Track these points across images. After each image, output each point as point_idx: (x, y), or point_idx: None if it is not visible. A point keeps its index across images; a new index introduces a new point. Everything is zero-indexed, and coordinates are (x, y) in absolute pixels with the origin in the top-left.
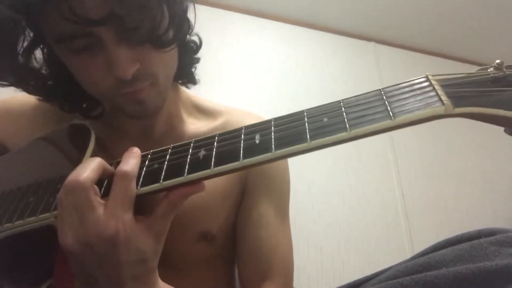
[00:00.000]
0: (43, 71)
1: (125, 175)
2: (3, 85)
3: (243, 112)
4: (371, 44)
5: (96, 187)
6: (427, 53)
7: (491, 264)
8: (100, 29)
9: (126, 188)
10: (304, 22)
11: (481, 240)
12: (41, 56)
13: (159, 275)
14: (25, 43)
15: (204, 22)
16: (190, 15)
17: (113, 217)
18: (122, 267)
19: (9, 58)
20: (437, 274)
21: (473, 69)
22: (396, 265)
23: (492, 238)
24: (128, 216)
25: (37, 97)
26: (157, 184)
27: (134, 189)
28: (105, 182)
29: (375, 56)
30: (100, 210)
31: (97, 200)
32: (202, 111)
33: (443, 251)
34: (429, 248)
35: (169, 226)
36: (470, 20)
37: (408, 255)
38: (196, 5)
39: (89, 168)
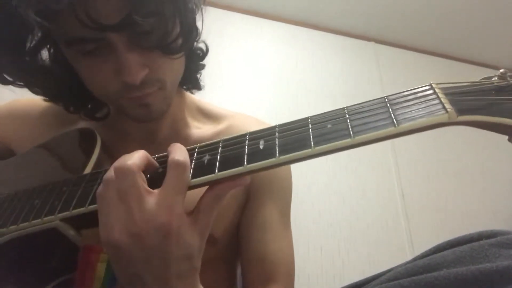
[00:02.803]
0: (49, 72)
1: (179, 164)
2: (8, 83)
3: (246, 117)
4: (371, 44)
5: (143, 175)
6: (427, 53)
7: (491, 266)
8: (112, 34)
9: (179, 177)
10: (304, 22)
11: (481, 241)
12: (47, 56)
13: None
14: (33, 43)
15: (204, 22)
16: (198, 22)
17: (164, 207)
18: (170, 262)
19: (17, 56)
20: (437, 275)
21: (473, 69)
22: (397, 266)
23: (492, 240)
24: (180, 207)
25: (42, 97)
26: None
27: (188, 179)
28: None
29: (375, 56)
30: (150, 199)
31: (146, 188)
32: (206, 115)
33: (444, 252)
34: (430, 250)
35: (211, 222)
36: (470, 20)
37: (408, 255)
38: (203, 10)
39: (135, 156)
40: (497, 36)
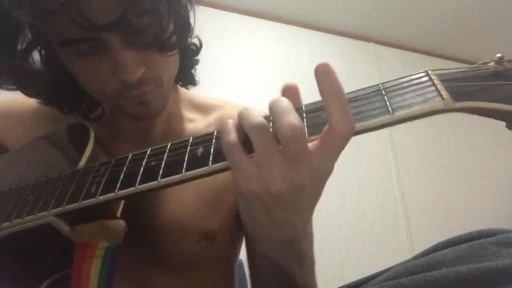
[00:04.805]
0: (41, 73)
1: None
2: (3, 88)
3: (237, 106)
4: (371, 45)
5: None
6: (427, 53)
7: (491, 265)
8: (107, 33)
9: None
10: (303, 22)
11: (481, 240)
12: (39, 58)
13: (159, 276)
14: (23, 45)
15: (204, 23)
16: (191, 17)
17: (326, 164)
18: (314, 205)
19: (7, 60)
20: (437, 274)
21: None
22: (396, 265)
23: (492, 238)
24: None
25: (36, 99)
26: (155, 182)
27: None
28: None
29: (375, 56)
30: (315, 158)
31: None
32: (198, 107)
33: (444, 251)
34: (430, 248)
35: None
36: (470, 20)
37: (408, 255)
38: (196, 6)
39: (288, 111)
40: (497, 37)
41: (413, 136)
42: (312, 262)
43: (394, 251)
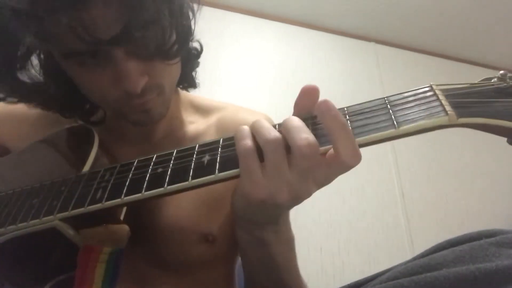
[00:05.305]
0: (43, 84)
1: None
2: (8, 102)
3: (236, 107)
4: (371, 44)
5: None
6: (427, 53)
7: (491, 265)
8: (111, 46)
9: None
10: (304, 22)
11: (481, 241)
12: (37, 63)
13: (159, 278)
14: (23, 52)
15: (204, 23)
16: (192, 22)
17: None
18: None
19: (10, 76)
20: (437, 275)
21: (473, 70)
22: (397, 266)
23: (492, 239)
24: None
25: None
26: (162, 189)
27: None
28: None
29: (375, 56)
30: (321, 172)
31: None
32: (198, 109)
33: (444, 252)
34: (430, 249)
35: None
36: (470, 20)
37: (408, 255)
38: (197, 10)
39: (303, 129)
40: (497, 37)
41: (413, 136)
42: (290, 239)
43: (394, 251)
